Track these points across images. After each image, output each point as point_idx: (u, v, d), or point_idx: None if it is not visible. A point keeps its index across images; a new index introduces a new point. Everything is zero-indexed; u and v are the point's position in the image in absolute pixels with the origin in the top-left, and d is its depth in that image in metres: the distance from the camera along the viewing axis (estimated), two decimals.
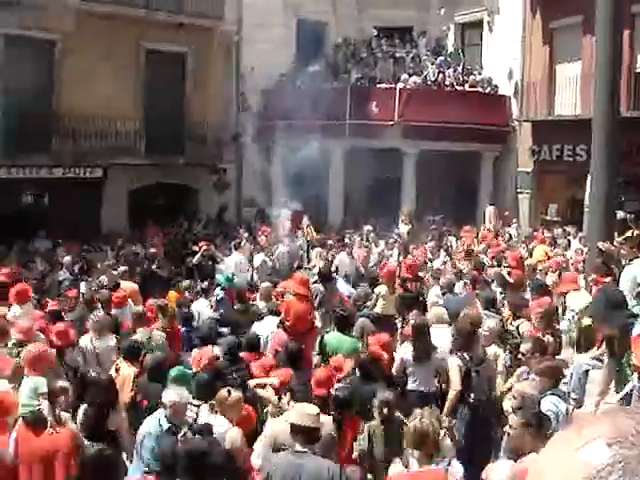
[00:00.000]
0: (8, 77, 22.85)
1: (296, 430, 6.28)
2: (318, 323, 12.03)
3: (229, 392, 7.47)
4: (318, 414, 6.43)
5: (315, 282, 13.94)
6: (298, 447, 6.22)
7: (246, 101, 28.29)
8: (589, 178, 15.10)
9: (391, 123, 26.17)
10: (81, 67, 23.46)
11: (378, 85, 27.67)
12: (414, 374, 9.43)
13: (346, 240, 21.39)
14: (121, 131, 24.66)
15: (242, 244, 19.46)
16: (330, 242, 20.87)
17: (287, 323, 10.96)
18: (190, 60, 26.92)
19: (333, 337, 10.45)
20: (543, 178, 26.66)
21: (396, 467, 6.73)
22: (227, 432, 7.14)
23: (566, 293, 12.74)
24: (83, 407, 7.63)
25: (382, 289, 13.51)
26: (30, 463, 6.87)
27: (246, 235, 21.84)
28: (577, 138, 22.34)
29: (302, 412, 6.37)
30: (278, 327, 11.01)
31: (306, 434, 6.24)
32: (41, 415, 7.12)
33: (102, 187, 25.10)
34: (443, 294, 13.41)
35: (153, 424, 7.22)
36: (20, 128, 22.45)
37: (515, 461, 5.96)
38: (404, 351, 9.67)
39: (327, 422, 7.09)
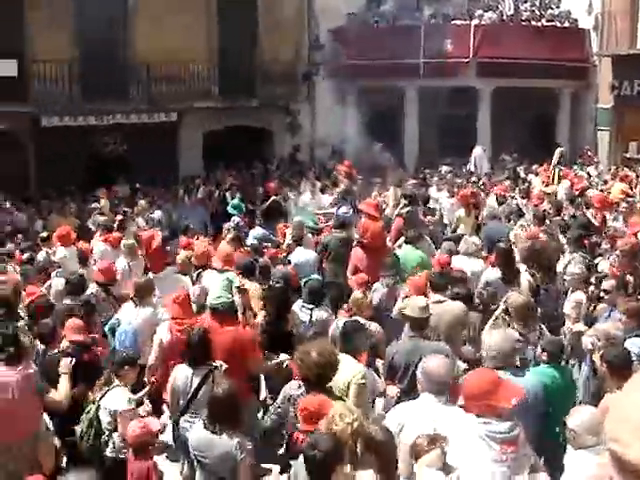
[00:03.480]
0: (82, 25, 23.01)
1: (407, 320, 7.58)
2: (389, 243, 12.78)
3: (364, 294, 8.93)
4: (426, 306, 7.53)
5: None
6: (410, 333, 7.48)
7: (318, 40, 28.04)
8: None
9: (466, 61, 25.72)
10: (154, 12, 23.47)
11: (452, 22, 27.13)
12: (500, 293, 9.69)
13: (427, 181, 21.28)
14: (195, 75, 24.76)
15: (311, 185, 19.79)
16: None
17: (365, 241, 11.81)
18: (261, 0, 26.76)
19: (403, 251, 11.51)
20: (623, 114, 25.97)
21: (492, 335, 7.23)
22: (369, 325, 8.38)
23: None
24: (262, 313, 8.95)
25: (460, 212, 14.90)
26: (216, 351, 7.49)
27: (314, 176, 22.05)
28: None
29: (412, 305, 7.52)
30: (355, 246, 11.92)
31: (414, 322, 7.45)
32: (232, 307, 8.05)
33: (178, 131, 25.35)
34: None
35: None
36: (96, 75, 22.65)
37: (597, 404, 6.03)
38: (489, 274, 10.10)
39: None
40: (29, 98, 22.26)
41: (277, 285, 9.17)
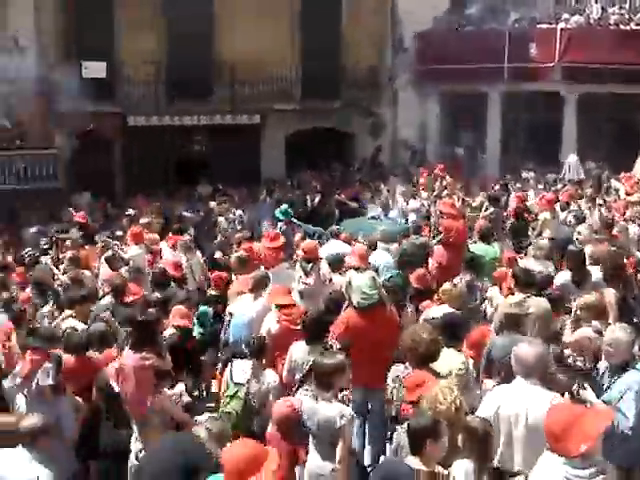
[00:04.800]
0: (170, 27, 23.60)
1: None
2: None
3: (455, 285, 9.45)
4: (520, 302, 7.91)
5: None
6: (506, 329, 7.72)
7: (402, 44, 27.98)
8: None
9: (551, 65, 25.36)
10: (239, 15, 23.87)
11: (538, 25, 26.75)
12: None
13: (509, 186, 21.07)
14: (278, 77, 25.02)
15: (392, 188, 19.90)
16: None
17: (450, 240, 12.23)
18: (345, 2, 26.86)
19: (478, 247, 12.14)
20: None
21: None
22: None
23: None
24: None
25: (546, 215, 15.14)
26: (361, 344, 7.98)
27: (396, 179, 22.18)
28: None
29: (506, 301, 8.03)
30: (437, 244, 12.39)
31: (509, 318, 7.73)
32: (382, 302, 8.37)
33: (260, 133, 25.65)
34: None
35: None
36: (181, 76, 23.13)
37: None
38: (561, 277, 10.11)
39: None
40: (117, 98, 22.84)
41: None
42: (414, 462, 5.21)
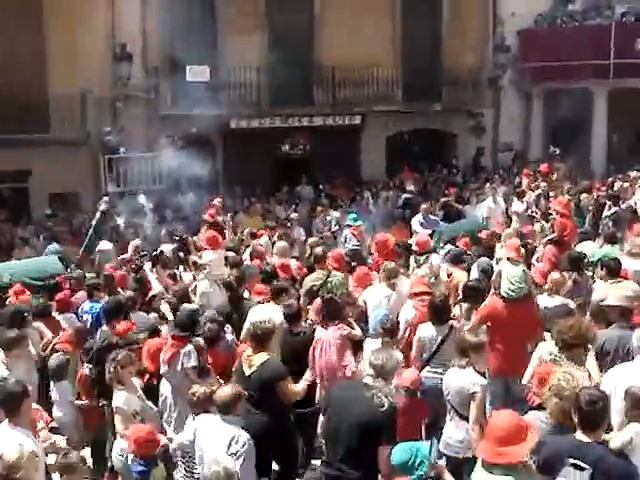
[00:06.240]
0: (271, 31, 23.83)
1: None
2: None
3: (563, 275, 9.65)
4: (632, 296, 8.03)
5: None
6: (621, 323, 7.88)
7: (504, 43, 27.53)
8: None
9: None
10: (339, 17, 23.93)
11: None
12: None
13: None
14: (379, 79, 24.97)
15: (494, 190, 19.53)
16: None
17: (565, 238, 12.48)
18: (446, 3, 26.63)
19: (605, 250, 11.97)
20: None
21: None
22: None
23: None
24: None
25: None
26: (503, 334, 8.39)
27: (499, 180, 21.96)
28: None
29: (618, 294, 8.17)
30: (548, 244, 12.53)
31: (623, 311, 7.93)
32: (525, 298, 8.69)
33: (361, 134, 25.67)
34: None
35: None
36: (282, 79, 23.31)
37: None
38: None
39: None
40: (219, 101, 23.17)
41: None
42: (585, 438, 5.30)
